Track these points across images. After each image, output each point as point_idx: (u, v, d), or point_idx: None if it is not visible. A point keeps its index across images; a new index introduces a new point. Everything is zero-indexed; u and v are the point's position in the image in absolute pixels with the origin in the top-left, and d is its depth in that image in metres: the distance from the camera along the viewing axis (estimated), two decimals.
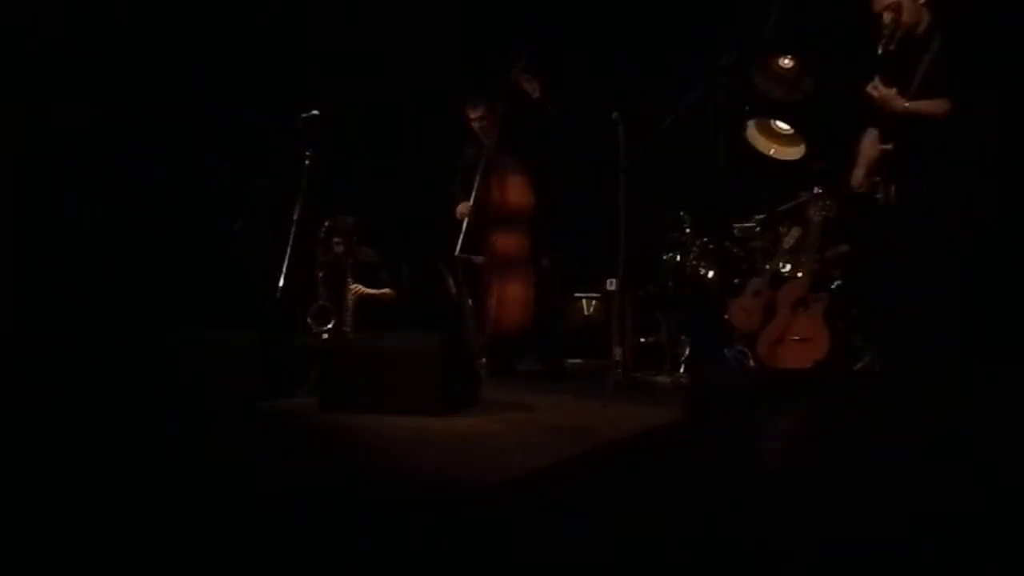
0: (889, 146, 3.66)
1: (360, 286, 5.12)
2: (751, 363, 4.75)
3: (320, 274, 5.06)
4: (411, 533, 1.92)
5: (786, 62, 5.20)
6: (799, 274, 4.81)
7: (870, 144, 3.76)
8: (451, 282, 5.25)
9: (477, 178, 5.21)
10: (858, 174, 3.78)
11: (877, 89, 3.58)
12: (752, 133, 5.39)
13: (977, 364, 3.43)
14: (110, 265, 5.30)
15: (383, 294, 5.21)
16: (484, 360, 5.10)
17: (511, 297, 5.23)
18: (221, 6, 5.67)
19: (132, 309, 5.16)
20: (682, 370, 5.14)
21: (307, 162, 5.06)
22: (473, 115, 5.30)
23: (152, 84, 5.37)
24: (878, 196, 3.73)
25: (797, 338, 4.56)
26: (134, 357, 4.49)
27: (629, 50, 5.69)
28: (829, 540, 1.45)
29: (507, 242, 5.27)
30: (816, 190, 4.82)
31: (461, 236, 5.16)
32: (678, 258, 5.44)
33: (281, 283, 4.86)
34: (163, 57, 5.42)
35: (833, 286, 4.72)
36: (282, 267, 4.88)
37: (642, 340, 5.35)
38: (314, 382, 4.42)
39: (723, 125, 5.48)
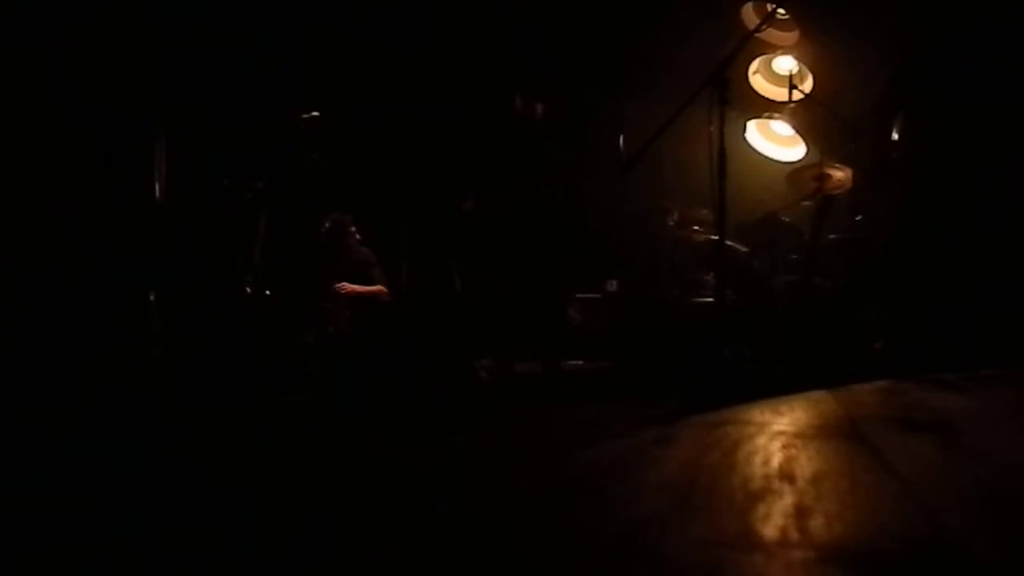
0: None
1: (346, 284, 5.11)
2: (750, 362, 4.74)
3: (319, 274, 5.07)
4: (408, 535, 1.92)
5: (786, 63, 5.22)
6: (798, 275, 4.82)
7: None
8: (456, 281, 5.26)
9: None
10: None
11: None
12: (752, 134, 5.40)
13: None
14: (108, 265, 5.29)
15: (377, 291, 5.21)
16: (484, 361, 5.10)
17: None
18: (221, 6, 5.68)
19: (130, 309, 5.15)
20: (681, 370, 5.13)
21: (312, 163, 5.07)
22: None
23: (150, 83, 5.36)
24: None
25: (796, 335, 4.57)
26: (131, 357, 4.49)
27: (629, 50, 5.72)
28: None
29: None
30: (815, 189, 4.82)
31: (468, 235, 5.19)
32: (677, 259, 5.43)
33: (280, 283, 4.87)
34: (162, 56, 5.42)
35: (834, 281, 4.73)
36: (281, 267, 4.89)
37: (642, 340, 5.34)
38: (312, 382, 4.42)
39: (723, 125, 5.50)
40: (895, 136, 4.36)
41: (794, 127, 5.23)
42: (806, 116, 5.17)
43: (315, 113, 5.16)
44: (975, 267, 3.91)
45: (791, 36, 5.36)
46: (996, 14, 3.95)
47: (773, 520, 1.45)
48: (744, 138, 5.35)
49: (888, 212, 4.46)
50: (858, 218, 4.81)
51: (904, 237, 3.85)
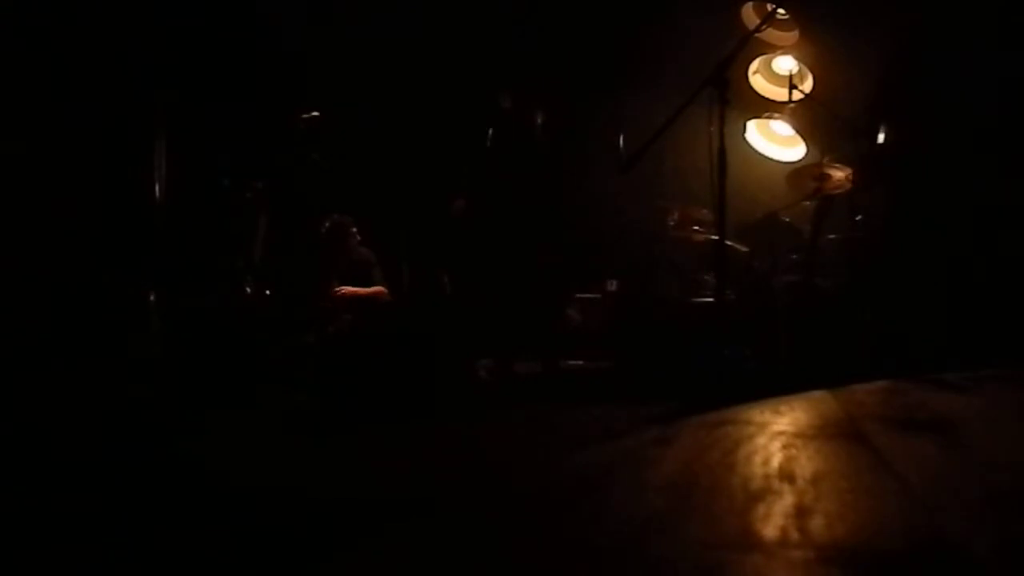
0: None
1: (344, 288, 5.11)
2: (750, 362, 4.74)
3: (319, 274, 5.07)
4: (408, 535, 1.92)
5: (786, 63, 5.22)
6: (798, 275, 4.82)
7: None
8: (447, 283, 5.26)
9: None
10: None
11: None
12: (752, 134, 5.40)
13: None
14: (108, 265, 5.29)
15: (376, 292, 5.20)
16: (484, 361, 5.10)
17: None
18: (221, 6, 5.68)
19: (130, 309, 5.15)
20: (681, 370, 5.13)
21: (312, 163, 5.07)
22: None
23: (150, 83, 5.36)
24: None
25: (796, 335, 4.57)
26: (131, 357, 4.49)
27: (629, 50, 5.72)
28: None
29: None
30: (815, 189, 4.83)
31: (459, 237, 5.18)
32: (678, 259, 5.43)
33: (280, 283, 4.87)
34: (162, 56, 5.42)
35: (834, 281, 4.74)
36: (281, 267, 4.89)
37: (642, 340, 5.34)
38: (312, 382, 4.42)
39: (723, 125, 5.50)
40: (881, 138, 4.37)
41: (794, 127, 5.23)
42: (806, 116, 5.17)
43: (315, 113, 5.16)
44: (975, 266, 3.91)
45: (791, 36, 5.36)
46: (995, 14, 3.95)
47: (773, 520, 1.44)
48: (744, 138, 5.35)
49: (884, 212, 4.47)
50: (858, 218, 4.81)
51: (897, 237, 3.85)
